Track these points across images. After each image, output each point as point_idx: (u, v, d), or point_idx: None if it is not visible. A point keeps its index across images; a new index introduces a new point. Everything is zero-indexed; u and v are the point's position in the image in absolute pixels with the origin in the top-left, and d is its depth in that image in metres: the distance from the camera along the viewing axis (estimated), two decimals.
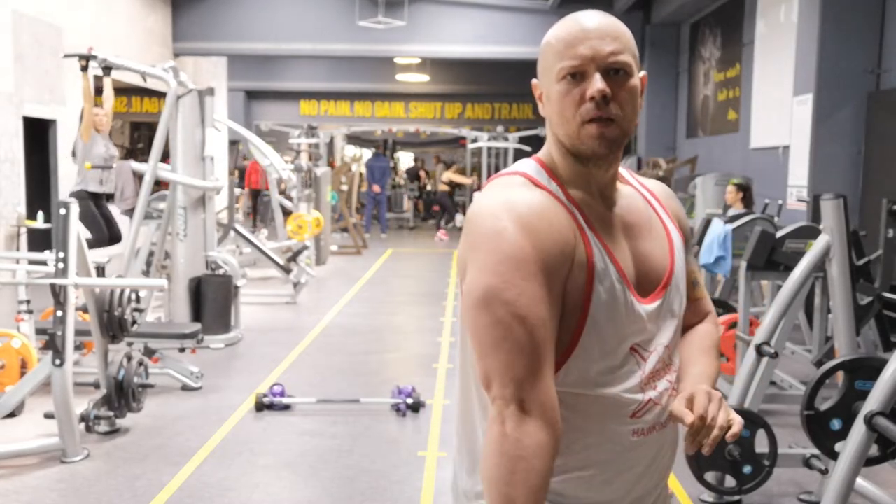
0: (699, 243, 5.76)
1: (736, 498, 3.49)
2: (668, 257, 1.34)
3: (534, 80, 1.34)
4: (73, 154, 7.02)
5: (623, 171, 1.41)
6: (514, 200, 1.22)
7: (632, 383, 1.28)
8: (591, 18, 1.26)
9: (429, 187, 20.02)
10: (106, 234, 7.14)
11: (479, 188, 16.10)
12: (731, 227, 5.69)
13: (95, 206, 7.12)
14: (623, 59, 1.23)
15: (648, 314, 1.29)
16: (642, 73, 1.30)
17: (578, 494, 1.31)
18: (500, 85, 19.08)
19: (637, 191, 1.39)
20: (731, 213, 6.49)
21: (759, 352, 3.55)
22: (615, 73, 1.23)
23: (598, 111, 1.22)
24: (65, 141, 9.21)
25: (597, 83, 1.22)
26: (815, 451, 3.31)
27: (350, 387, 5.23)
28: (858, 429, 2.59)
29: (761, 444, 3.30)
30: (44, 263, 4.92)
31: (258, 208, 16.64)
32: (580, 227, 1.24)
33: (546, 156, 1.33)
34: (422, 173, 20.54)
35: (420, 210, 19.63)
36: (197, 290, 6.32)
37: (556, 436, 1.17)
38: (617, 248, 1.28)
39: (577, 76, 1.23)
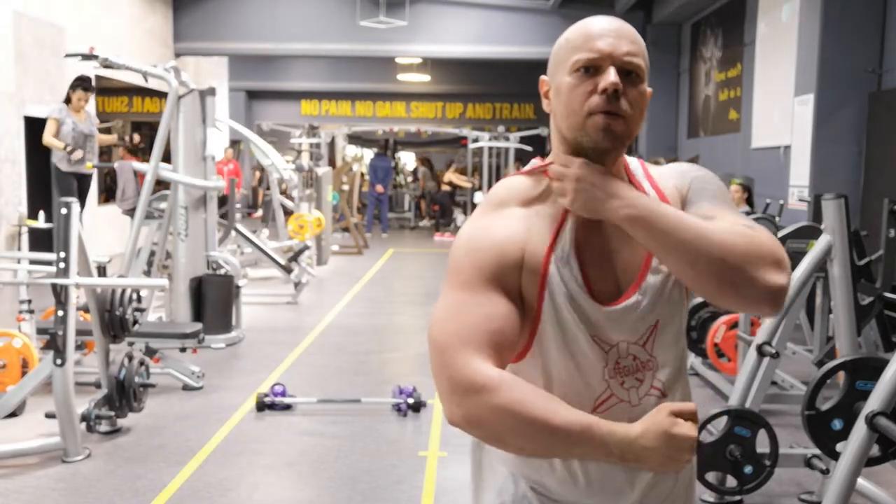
0: None
1: (737, 498, 3.49)
2: (644, 256, 1.31)
3: (542, 77, 1.35)
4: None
5: (639, 167, 1.39)
6: (469, 229, 1.32)
7: (594, 372, 1.28)
8: (612, 22, 1.29)
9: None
10: None
11: (479, 188, 16.15)
12: None
13: (76, 182, 7.37)
14: (637, 62, 1.26)
15: (609, 314, 1.28)
16: (649, 88, 1.31)
17: (545, 481, 1.33)
18: (501, 85, 19.08)
19: (641, 190, 1.35)
20: None
21: (761, 352, 3.55)
22: (627, 74, 1.25)
23: (608, 105, 1.23)
24: None
25: (611, 76, 1.23)
26: (817, 452, 3.31)
27: (351, 387, 5.23)
28: (859, 429, 2.59)
29: (762, 445, 3.30)
30: (46, 263, 4.92)
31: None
32: (553, 238, 1.28)
33: (549, 160, 1.36)
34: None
35: (422, 211, 19.62)
36: (198, 289, 6.32)
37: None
38: (592, 255, 1.29)
39: (590, 70, 1.25)
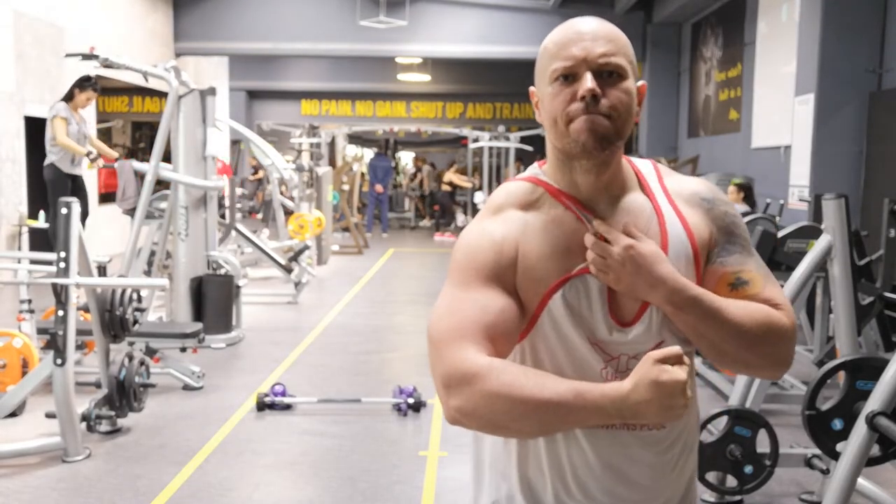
0: None
1: (737, 498, 3.49)
2: None
3: (531, 87, 1.34)
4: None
5: (653, 173, 1.36)
6: (469, 232, 1.35)
7: (592, 370, 1.28)
8: (588, 23, 1.27)
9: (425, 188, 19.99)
10: None
11: (479, 188, 16.14)
12: None
13: (71, 182, 7.25)
14: (615, 62, 1.23)
15: (619, 336, 1.28)
16: (641, 82, 1.29)
17: (529, 476, 1.32)
18: (502, 85, 19.08)
19: (653, 199, 1.32)
20: None
21: None
22: (608, 74, 1.23)
23: (588, 111, 1.22)
24: None
25: (587, 83, 1.22)
26: (817, 451, 3.31)
27: (351, 386, 5.23)
28: (860, 429, 2.59)
29: (762, 444, 3.30)
30: (46, 263, 4.92)
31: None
32: (565, 279, 1.29)
33: (545, 168, 1.36)
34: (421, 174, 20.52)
35: (422, 211, 19.62)
36: (198, 289, 6.32)
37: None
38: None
39: (569, 77, 1.24)
